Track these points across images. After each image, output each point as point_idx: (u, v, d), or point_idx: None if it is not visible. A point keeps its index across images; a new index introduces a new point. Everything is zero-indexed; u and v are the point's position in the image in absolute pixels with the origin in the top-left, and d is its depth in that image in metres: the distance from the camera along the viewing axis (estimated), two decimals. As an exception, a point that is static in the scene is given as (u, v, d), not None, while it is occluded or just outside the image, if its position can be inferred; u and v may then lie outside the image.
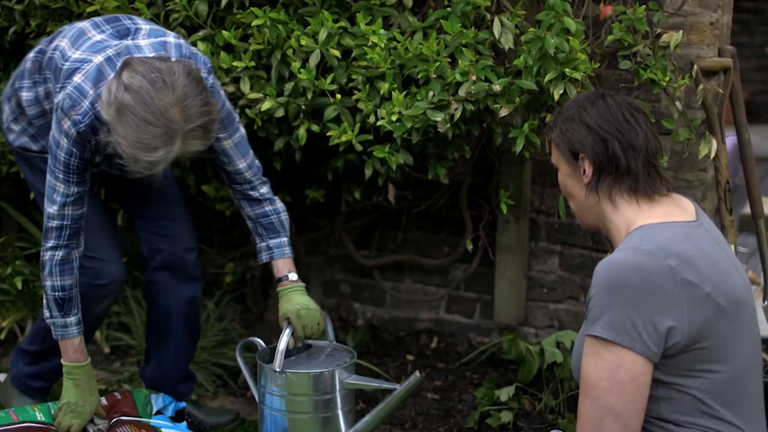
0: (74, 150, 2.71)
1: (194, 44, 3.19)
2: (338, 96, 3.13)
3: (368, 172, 3.23)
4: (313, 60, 3.11)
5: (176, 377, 3.27)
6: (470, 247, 3.67)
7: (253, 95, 3.18)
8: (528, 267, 3.80)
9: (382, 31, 3.11)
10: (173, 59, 2.64)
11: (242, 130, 2.95)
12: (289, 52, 3.15)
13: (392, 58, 3.10)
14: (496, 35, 3.10)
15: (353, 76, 3.14)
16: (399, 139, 3.12)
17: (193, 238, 3.21)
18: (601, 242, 3.63)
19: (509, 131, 3.18)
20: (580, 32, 3.11)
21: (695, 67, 3.30)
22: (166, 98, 2.48)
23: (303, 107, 3.17)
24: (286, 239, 3.02)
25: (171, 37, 2.84)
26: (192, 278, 3.20)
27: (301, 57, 3.14)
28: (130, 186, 3.09)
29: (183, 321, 3.21)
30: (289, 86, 3.16)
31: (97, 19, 2.93)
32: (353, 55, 3.14)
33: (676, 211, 2.21)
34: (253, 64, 3.19)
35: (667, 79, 3.16)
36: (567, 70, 3.02)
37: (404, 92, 3.10)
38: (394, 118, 3.06)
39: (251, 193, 2.99)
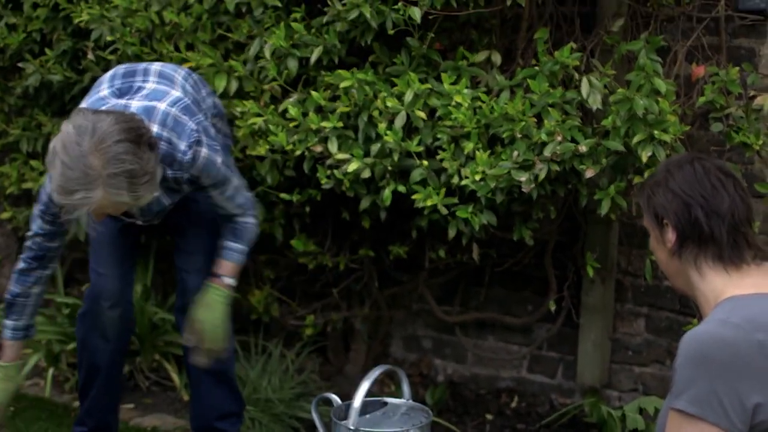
0: (49, 201, 2.82)
1: (286, 109, 3.26)
2: (425, 162, 3.14)
3: (452, 233, 3.21)
4: (399, 121, 3.12)
5: (209, 414, 3.30)
6: (554, 307, 3.62)
7: (341, 155, 3.20)
8: (613, 329, 3.73)
9: (466, 90, 3.11)
10: (117, 111, 2.70)
11: (235, 183, 3.01)
12: (376, 113, 3.17)
13: (477, 117, 3.09)
14: (584, 95, 3.07)
15: (438, 135, 3.14)
16: (483, 198, 3.10)
17: None
18: (688, 306, 3.55)
19: (595, 192, 3.14)
20: (671, 93, 3.08)
21: (789, 130, 3.23)
22: (85, 143, 2.53)
23: (389, 168, 3.18)
24: (242, 247, 3.07)
25: (165, 104, 2.86)
26: None
27: (387, 118, 3.15)
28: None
29: (204, 374, 3.24)
30: (375, 147, 3.18)
31: (120, 69, 3.04)
32: (438, 114, 3.14)
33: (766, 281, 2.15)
34: (341, 124, 3.21)
35: (761, 142, 3.10)
36: (656, 131, 2.98)
37: (489, 152, 3.09)
38: (478, 177, 3.05)
39: (230, 216, 3.08)
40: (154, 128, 2.79)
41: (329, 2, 3.23)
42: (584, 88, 3.07)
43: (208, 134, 2.91)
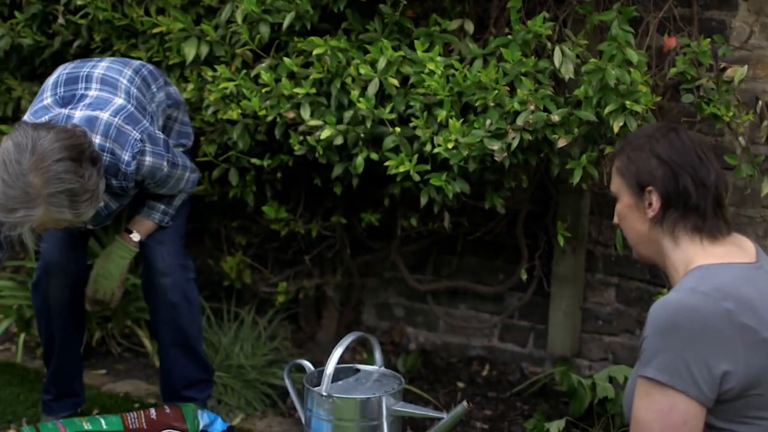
0: None
1: (258, 74, 3.23)
2: (397, 129, 3.14)
3: (424, 200, 3.22)
4: (372, 88, 3.12)
5: (177, 384, 3.33)
6: (525, 276, 3.64)
7: (313, 122, 3.20)
8: (583, 298, 3.76)
9: (439, 58, 3.11)
10: (57, 126, 2.67)
11: (179, 173, 3.05)
12: (348, 80, 3.16)
13: (450, 85, 3.09)
14: (557, 64, 3.08)
15: (411, 103, 3.14)
16: (456, 167, 3.11)
17: (168, 261, 3.22)
18: (658, 276, 3.58)
19: (567, 162, 3.15)
20: (643, 64, 3.08)
21: (760, 102, 3.25)
22: (24, 162, 2.53)
23: (362, 135, 3.17)
24: (163, 207, 3.13)
25: (107, 113, 2.86)
26: (168, 303, 3.25)
27: (360, 85, 3.14)
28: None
29: (169, 346, 3.30)
30: (348, 114, 3.17)
31: (64, 74, 3.01)
32: (411, 81, 3.14)
33: (736, 251, 2.16)
34: (314, 91, 3.20)
35: (731, 114, 3.11)
36: (628, 102, 2.99)
37: (462, 120, 3.09)
38: (450, 145, 3.05)
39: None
40: (97, 140, 2.79)
41: (302, -32, 3.22)
42: (557, 57, 3.08)
43: (153, 141, 2.90)
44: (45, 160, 2.53)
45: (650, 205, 2.17)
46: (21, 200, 2.53)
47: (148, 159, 2.89)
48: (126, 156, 2.83)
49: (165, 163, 2.95)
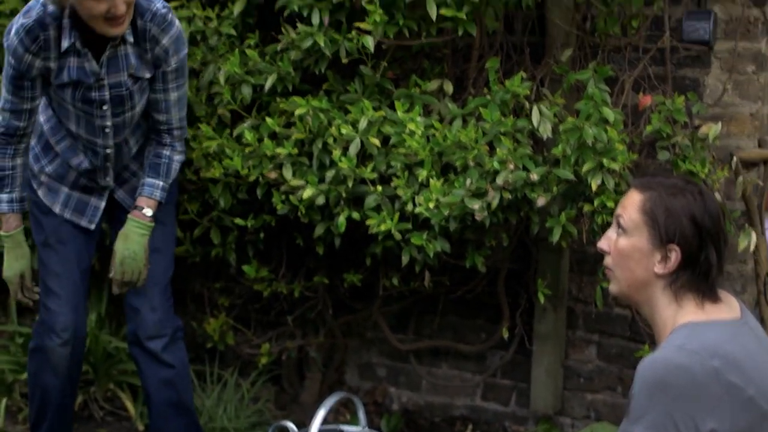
0: (20, 49, 2.89)
1: (241, 133, 3.30)
2: (379, 187, 3.17)
3: (405, 260, 3.24)
4: (353, 148, 3.15)
5: None
6: (507, 335, 3.65)
7: (295, 182, 3.23)
8: (565, 356, 3.77)
9: (419, 118, 3.15)
10: None
11: (186, 88, 3.14)
12: (330, 140, 3.20)
13: (431, 145, 3.13)
14: (535, 124, 3.13)
15: (392, 163, 3.18)
16: (437, 226, 3.13)
17: (161, 325, 3.24)
18: (638, 333, 3.60)
19: (546, 220, 3.19)
20: (619, 122, 3.13)
21: (735, 158, 3.30)
22: None
23: (343, 195, 3.20)
24: (162, 183, 3.15)
25: None
26: (162, 363, 3.25)
27: (341, 145, 3.18)
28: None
29: (163, 406, 3.28)
30: (330, 174, 3.20)
31: None
32: (392, 141, 3.18)
33: (722, 307, 2.16)
34: (295, 151, 3.24)
35: (706, 170, 3.16)
36: (605, 160, 3.03)
37: (442, 179, 3.12)
38: (431, 205, 3.08)
39: (165, 138, 3.16)
40: None
41: (283, 30, 3.27)
42: (535, 116, 3.13)
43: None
44: None
45: (666, 261, 2.11)
46: None
47: (177, 25, 3.00)
48: (159, 2, 2.97)
49: (185, 52, 3.06)
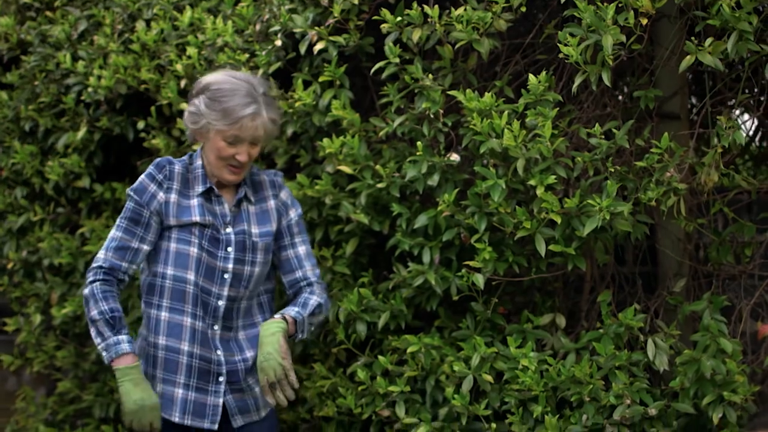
0: (145, 180, 3.13)
1: (354, 372, 3.34)
2: (493, 424, 3.14)
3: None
4: (466, 385, 3.14)
5: None
6: None
7: (409, 420, 3.22)
8: None
9: (532, 353, 3.14)
10: None
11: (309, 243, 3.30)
12: (443, 377, 3.21)
13: (545, 380, 3.11)
14: (650, 357, 3.08)
15: (506, 399, 3.15)
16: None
17: None
18: None
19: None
20: (738, 353, 3.06)
21: None
22: (240, 74, 3.17)
23: (457, 432, 3.19)
24: (297, 309, 3.14)
25: None
26: None
27: (454, 382, 3.18)
28: None
29: None
30: (443, 411, 3.19)
31: None
32: (505, 377, 3.16)
33: None
34: (408, 388, 3.25)
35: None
36: (725, 393, 2.95)
37: (558, 415, 3.08)
38: (548, 442, 3.03)
39: (305, 290, 3.23)
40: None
41: (394, 269, 3.34)
42: (650, 349, 3.09)
43: None
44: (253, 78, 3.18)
45: None
46: (248, 96, 3.08)
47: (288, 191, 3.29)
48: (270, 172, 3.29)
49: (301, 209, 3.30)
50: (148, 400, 3.03)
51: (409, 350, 3.24)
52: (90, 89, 4.02)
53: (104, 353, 3.06)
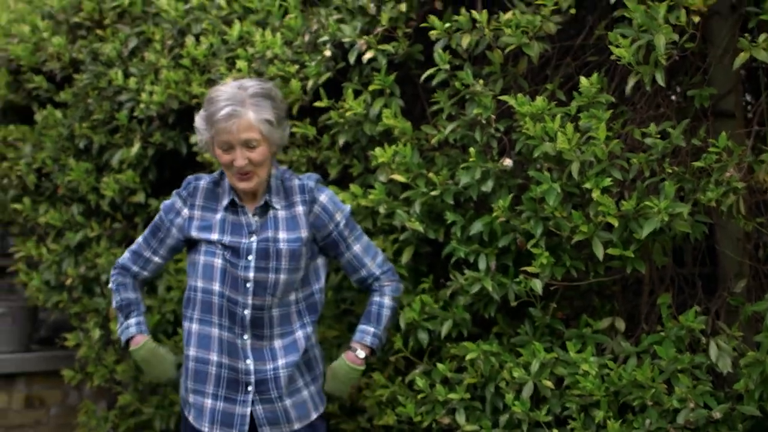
0: (171, 201, 3.27)
1: (413, 380, 3.33)
2: (555, 430, 3.11)
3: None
4: (527, 391, 3.13)
5: None
6: None
7: (469, 427, 3.21)
8: None
9: (593, 358, 3.11)
10: None
11: (365, 236, 3.33)
12: (502, 384, 3.19)
13: (606, 385, 3.07)
14: (713, 359, 3.04)
15: (567, 405, 3.12)
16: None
17: None
18: None
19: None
20: (805, 352, 3.02)
21: None
22: (235, 81, 3.17)
23: (519, 440, 3.17)
24: (373, 330, 3.26)
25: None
26: None
27: (514, 388, 3.16)
28: None
29: None
30: (504, 418, 3.17)
31: None
32: (566, 383, 3.13)
33: None
34: (468, 396, 3.24)
35: None
36: (792, 397, 2.91)
37: (620, 420, 3.04)
38: (611, 448, 3.00)
39: (375, 286, 3.32)
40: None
41: (452, 276, 3.33)
42: (713, 352, 3.04)
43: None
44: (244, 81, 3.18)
45: None
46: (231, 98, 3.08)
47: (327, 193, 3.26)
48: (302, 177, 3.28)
49: (348, 208, 3.28)
50: (163, 376, 3.39)
51: (468, 357, 3.22)
52: (142, 105, 4.07)
53: (121, 338, 3.36)
